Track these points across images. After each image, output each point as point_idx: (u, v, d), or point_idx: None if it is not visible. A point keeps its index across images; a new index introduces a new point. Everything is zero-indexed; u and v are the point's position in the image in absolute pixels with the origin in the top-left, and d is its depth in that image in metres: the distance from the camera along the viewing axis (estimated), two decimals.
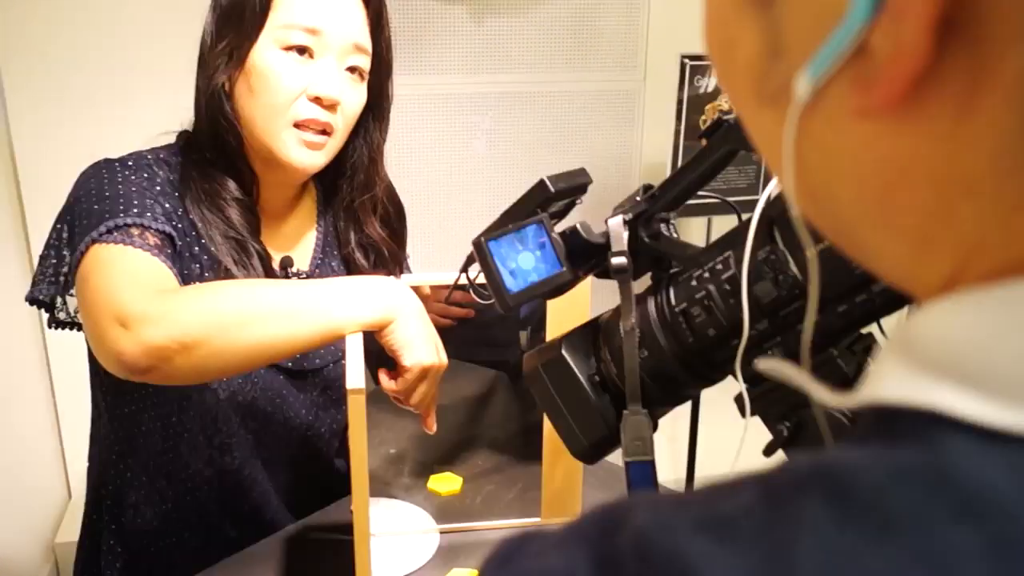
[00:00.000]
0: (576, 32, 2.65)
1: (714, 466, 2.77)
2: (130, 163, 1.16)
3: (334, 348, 1.28)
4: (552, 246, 0.72)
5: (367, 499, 0.92)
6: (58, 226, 1.15)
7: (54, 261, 1.14)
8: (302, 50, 1.14)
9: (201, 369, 1.00)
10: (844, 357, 0.67)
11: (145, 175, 1.15)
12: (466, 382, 1.52)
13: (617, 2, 2.64)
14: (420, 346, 1.06)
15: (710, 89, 2.44)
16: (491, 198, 2.66)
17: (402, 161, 2.62)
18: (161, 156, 1.21)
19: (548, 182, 0.72)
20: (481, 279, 0.70)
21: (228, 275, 1.14)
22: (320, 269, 1.32)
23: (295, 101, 1.15)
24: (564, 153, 2.72)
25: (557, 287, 0.72)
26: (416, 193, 2.65)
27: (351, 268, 1.34)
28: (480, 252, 0.68)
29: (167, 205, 1.15)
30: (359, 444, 0.89)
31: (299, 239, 1.32)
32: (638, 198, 0.72)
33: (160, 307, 0.97)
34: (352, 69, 1.19)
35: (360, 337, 0.99)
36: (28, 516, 2.35)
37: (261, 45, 1.14)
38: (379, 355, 1.07)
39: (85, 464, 1.36)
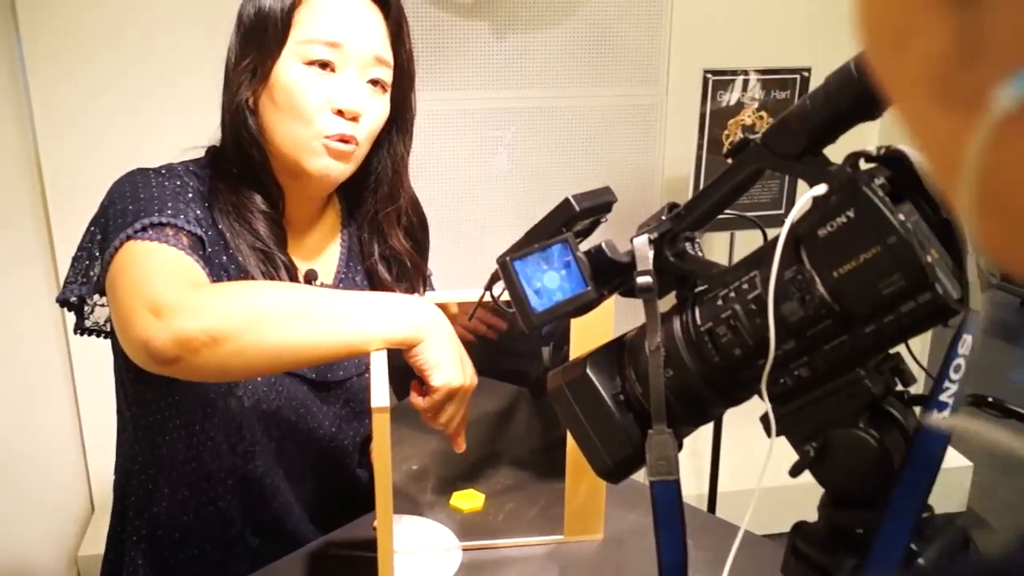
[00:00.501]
0: (598, 47, 2.65)
1: (737, 482, 2.76)
2: (163, 171, 1.18)
3: (358, 361, 1.29)
4: (577, 265, 0.72)
5: (391, 517, 0.92)
6: (91, 228, 1.17)
7: (86, 263, 1.16)
8: (324, 64, 1.16)
9: (226, 366, 1.00)
10: (871, 377, 0.67)
11: (178, 183, 1.18)
12: (488, 398, 1.52)
13: (639, 17, 2.65)
14: (448, 367, 1.06)
15: (732, 103, 2.44)
16: (513, 213, 2.67)
17: (424, 175, 2.63)
18: (191, 168, 1.23)
19: (573, 201, 0.73)
20: (506, 297, 0.70)
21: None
22: (344, 282, 1.34)
23: (319, 114, 1.16)
24: (586, 168, 2.72)
25: (582, 306, 0.72)
26: (437, 207, 2.66)
27: (374, 280, 1.35)
28: (505, 271, 0.69)
29: (198, 212, 1.17)
30: (383, 462, 0.89)
31: (323, 251, 1.34)
32: (663, 217, 0.72)
33: (194, 298, 0.99)
34: (374, 82, 1.20)
35: (384, 354, 0.99)
36: (52, 528, 2.36)
37: (284, 61, 1.16)
38: (405, 371, 1.07)
39: (109, 477, 1.37)
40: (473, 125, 2.64)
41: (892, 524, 0.65)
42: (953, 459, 3.09)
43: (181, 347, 0.96)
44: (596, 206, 0.75)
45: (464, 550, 1.23)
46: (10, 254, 2.14)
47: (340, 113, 1.16)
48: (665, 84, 2.73)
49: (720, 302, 0.69)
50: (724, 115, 2.45)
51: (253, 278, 1.17)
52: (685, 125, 2.57)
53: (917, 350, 0.72)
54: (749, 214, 0.84)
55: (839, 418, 0.67)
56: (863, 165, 0.65)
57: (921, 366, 0.72)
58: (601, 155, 2.73)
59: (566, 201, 0.72)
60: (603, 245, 0.72)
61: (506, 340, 1.41)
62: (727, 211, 0.77)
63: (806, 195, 0.64)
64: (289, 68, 1.16)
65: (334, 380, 1.29)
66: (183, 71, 2.27)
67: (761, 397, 0.69)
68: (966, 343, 0.63)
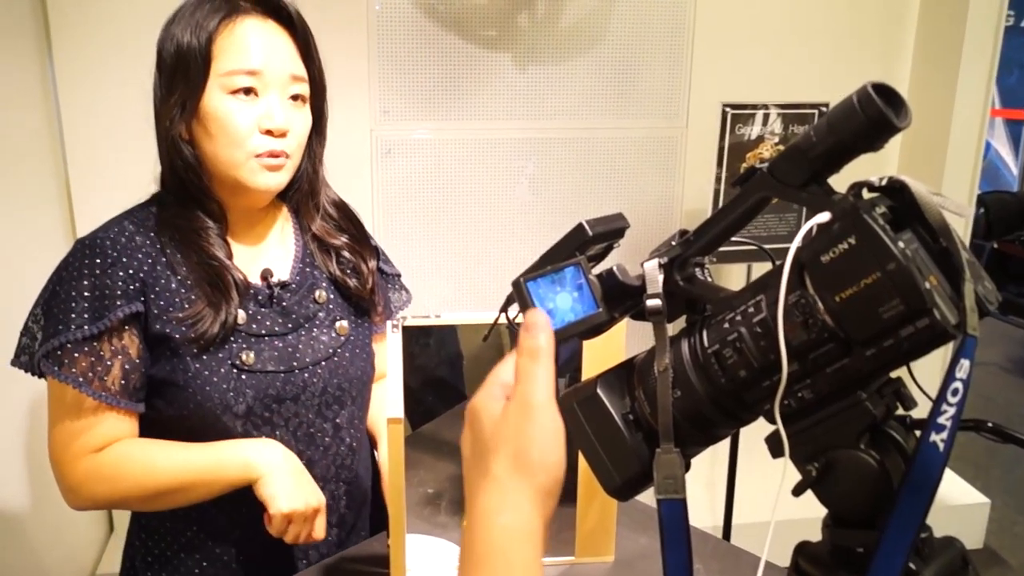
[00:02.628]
0: (619, 80, 2.69)
1: (751, 514, 2.76)
2: (89, 247, 1.27)
3: (323, 347, 1.39)
4: (589, 287, 0.74)
5: (403, 530, 0.94)
6: (35, 310, 1.29)
7: (27, 341, 1.30)
8: (247, 91, 1.27)
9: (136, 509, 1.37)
10: (873, 400, 0.69)
11: (100, 258, 1.26)
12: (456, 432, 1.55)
13: (660, 51, 2.68)
14: (283, 498, 1.24)
15: (752, 137, 2.47)
16: (533, 242, 2.70)
17: (446, 203, 2.67)
18: (135, 214, 1.34)
19: (586, 226, 0.75)
20: (520, 319, 0.73)
21: (207, 299, 1.28)
22: (301, 276, 1.42)
23: (250, 137, 1.27)
24: (606, 198, 2.75)
25: (594, 327, 0.74)
26: (458, 235, 2.69)
27: (332, 277, 1.45)
28: (519, 291, 0.71)
29: (127, 273, 1.26)
30: (396, 474, 0.91)
31: (277, 252, 1.43)
32: (673, 242, 0.75)
33: (82, 482, 1.26)
34: (294, 97, 1.31)
35: (400, 364, 1.02)
36: (71, 548, 2.39)
37: (209, 92, 1.27)
38: (418, 401, 1.12)
39: None
40: (496, 155, 2.67)
41: (891, 543, 0.67)
42: (970, 496, 3.08)
43: (89, 509, 1.33)
44: (609, 231, 0.77)
45: None
46: (34, 256, 2.18)
47: (269, 132, 1.27)
48: (685, 117, 2.76)
49: (727, 325, 0.71)
50: (743, 148, 2.48)
51: (203, 298, 1.28)
52: (704, 158, 2.60)
53: (924, 376, 0.74)
54: (767, 246, 0.87)
55: (841, 439, 0.69)
56: (865, 194, 0.68)
57: (922, 390, 0.74)
58: (621, 186, 2.76)
59: (579, 226, 0.75)
60: (615, 268, 0.75)
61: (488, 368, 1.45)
62: (742, 240, 0.79)
63: (809, 222, 0.67)
64: (215, 99, 1.26)
65: (300, 366, 1.36)
66: None
67: (768, 419, 0.71)
68: (963, 367, 0.65)
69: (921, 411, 0.75)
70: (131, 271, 1.26)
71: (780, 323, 0.66)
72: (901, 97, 0.65)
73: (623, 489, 0.76)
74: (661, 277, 0.73)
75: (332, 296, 1.43)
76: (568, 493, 1.26)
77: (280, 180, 1.32)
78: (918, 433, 0.70)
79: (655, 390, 0.73)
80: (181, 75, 1.27)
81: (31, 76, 2.25)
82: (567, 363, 1.31)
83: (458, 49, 2.57)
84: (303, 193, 1.44)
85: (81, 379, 1.22)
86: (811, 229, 0.67)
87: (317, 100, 1.38)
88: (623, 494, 0.77)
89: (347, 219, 1.51)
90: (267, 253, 1.41)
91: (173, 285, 1.29)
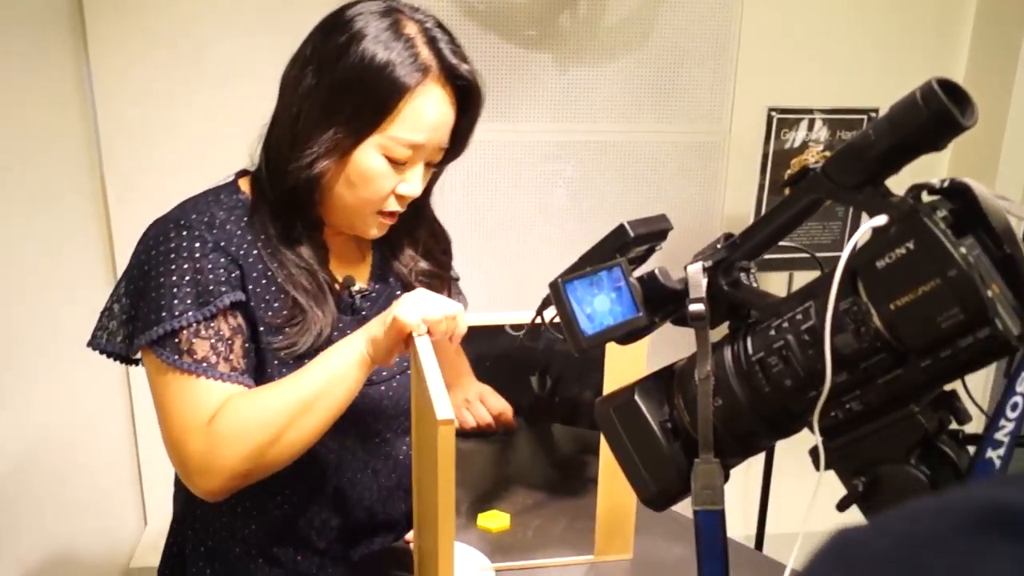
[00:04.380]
0: (662, 83, 2.66)
1: (785, 524, 2.70)
2: (184, 227, 1.18)
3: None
4: (629, 290, 0.72)
5: (452, 533, 0.91)
6: (120, 288, 1.22)
7: (112, 322, 1.22)
8: (403, 161, 1.20)
9: (272, 470, 1.16)
10: (925, 413, 0.65)
11: (199, 242, 1.18)
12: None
13: (705, 54, 2.65)
14: (422, 304, 1.14)
15: (797, 144, 2.42)
16: (571, 245, 2.67)
17: (485, 204, 2.64)
18: (223, 201, 1.24)
19: (628, 227, 0.73)
20: (557, 319, 0.70)
21: (297, 303, 1.21)
22: (380, 285, 1.37)
23: (385, 200, 1.22)
24: (646, 203, 2.72)
25: (633, 332, 0.72)
26: (497, 237, 2.67)
27: (406, 283, 1.39)
28: (556, 293, 0.69)
29: (228, 259, 1.18)
30: (447, 480, 0.87)
31: (358, 262, 1.37)
32: (718, 246, 0.72)
33: (207, 455, 1.12)
34: (429, 164, 1.25)
35: (437, 366, 0.99)
36: (105, 541, 2.39)
37: (367, 145, 1.17)
38: None
39: (163, 488, 1.39)
40: (535, 157, 2.65)
41: None
42: None
43: (222, 493, 1.15)
44: (651, 233, 0.75)
45: (498, 571, 1.25)
46: (71, 255, 2.19)
47: (401, 198, 1.23)
48: (729, 122, 2.72)
49: (773, 332, 0.68)
50: (788, 155, 2.43)
51: (295, 297, 1.21)
52: (748, 164, 2.56)
53: (978, 388, 0.70)
54: (811, 252, 0.83)
55: (890, 454, 0.66)
56: (925, 197, 0.64)
57: (977, 404, 0.71)
58: (661, 191, 2.73)
59: (621, 227, 0.72)
60: (656, 272, 0.72)
61: (493, 371, 1.51)
62: (786, 245, 0.76)
63: (865, 225, 0.63)
64: (370, 155, 1.18)
65: (377, 380, 1.32)
66: (248, 63, 2.32)
67: (811, 430, 0.68)
68: None
69: (976, 425, 0.72)
70: (230, 257, 1.18)
71: (827, 331, 0.63)
72: (967, 93, 0.62)
73: (659, 498, 0.73)
74: (705, 281, 0.70)
75: None
76: (572, 489, 1.26)
77: (385, 231, 1.29)
78: (972, 449, 0.67)
79: (695, 398, 0.70)
80: (349, 111, 1.16)
81: (66, 74, 2.26)
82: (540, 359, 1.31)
83: (498, 49, 2.55)
84: (408, 216, 1.33)
85: (205, 364, 1.15)
86: (866, 232, 0.64)
87: (452, 154, 1.29)
88: (659, 504, 0.74)
89: (442, 250, 1.45)
90: (348, 258, 1.36)
91: (266, 283, 1.22)
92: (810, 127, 2.42)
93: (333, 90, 1.16)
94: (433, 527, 0.88)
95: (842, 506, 0.68)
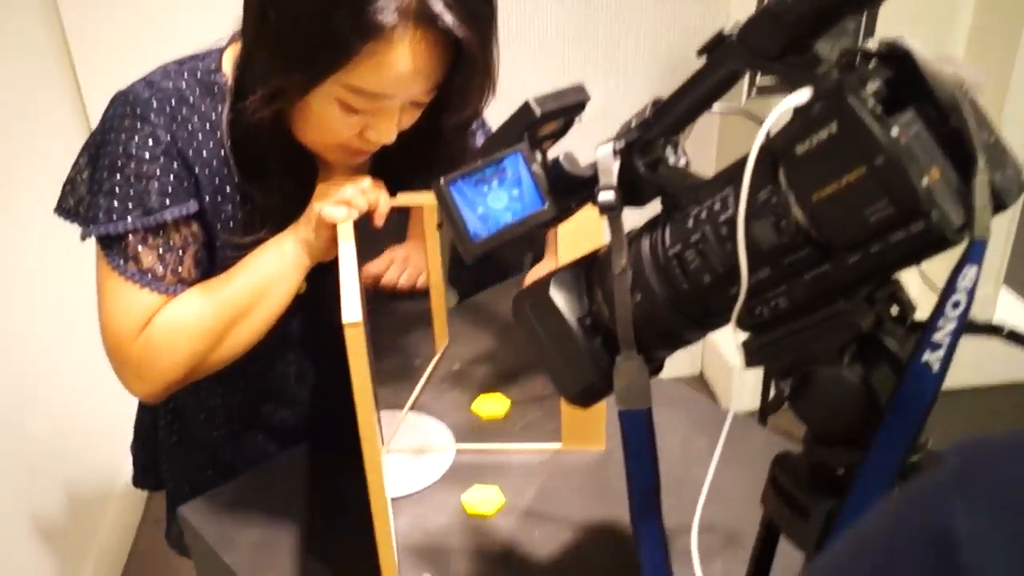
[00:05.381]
0: None
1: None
2: (140, 118, 1.03)
3: None
4: (532, 180, 0.64)
5: (376, 441, 0.85)
6: (82, 158, 1.09)
7: (71, 190, 1.11)
8: (360, 110, 1.00)
9: (211, 372, 1.10)
10: (859, 309, 0.59)
11: (152, 140, 1.03)
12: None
13: None
14: (339, 192, 1.05)
15: None
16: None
17: None
18: (199, 75, 1.08)
19: (534, 104, 0.64)
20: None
21: (267, 227, 1.10)
22: None
23: (349, 140, 1.04)
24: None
25: (537, 226, 0.65)
26: None
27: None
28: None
29: (178, 165, 1.04)
30: (362, 383, 0.79)
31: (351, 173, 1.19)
32: (633, 123, 0.64)
33: (141, 362, 1.06)
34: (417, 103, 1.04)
35: (354, 261, 0.92)
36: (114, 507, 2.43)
37: (320, 91, 0.98)
38: (475, 267, 0.98)
39: None
40: None
41: (874, 465, 0.59)
42: None
43: (165, 394, 1.09)
44: (564, 107, 0.66)
45: (459, 452, 1.19)
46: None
47: (368, 141, 1.04)
48: None
49: (690, 223, 0.61)
50: None
51: (267, 223, 1.10)
52: None
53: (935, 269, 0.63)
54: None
55: (820, 353, 0.60)
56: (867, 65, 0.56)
57: (931, 287, 0.64)
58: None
59: (525, 105, 0.64)
60: (561, 159, 0.64)
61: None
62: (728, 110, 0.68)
63: (784, 102, 0.55)
64: (325, 102, 0.99)
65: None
66: None
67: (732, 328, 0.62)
68: (968, 276, 0.54)
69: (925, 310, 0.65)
70: (185, 164, 1.04)
71: (741, 227, 0.56)
72: None
73: (581, 397, 0.69)
74: (617, 164, 0.63)
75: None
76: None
77: (366, 160, 1.11)
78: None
79: (613, 292, 0.64)
80: (307, 58, 0.94)
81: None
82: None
83: None
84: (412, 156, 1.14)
85: (150, 276, 1.05)
86: (787, 111, 0.55)
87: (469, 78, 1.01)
88: (582, 402, 0.69)
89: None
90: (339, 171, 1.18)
91: (226, 198, 1.08)
92: None
93: (287, 26, 0.95)
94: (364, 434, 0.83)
95: (768, 411, 0.63)
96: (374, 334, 1.42)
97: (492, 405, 1.28)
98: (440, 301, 1.38)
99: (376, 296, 1.50)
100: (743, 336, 0.63)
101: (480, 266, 0.94)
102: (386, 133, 1.02)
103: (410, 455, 1.20)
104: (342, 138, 1.03)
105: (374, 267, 1.49)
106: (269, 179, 1.09)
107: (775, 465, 0.67)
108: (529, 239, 0.71)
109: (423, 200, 1.17)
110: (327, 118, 1.00)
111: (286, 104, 1.00)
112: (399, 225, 1.55)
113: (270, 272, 1.07)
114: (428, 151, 1.12)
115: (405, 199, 1.12)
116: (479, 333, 1.47)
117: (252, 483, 1.18)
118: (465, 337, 1.45)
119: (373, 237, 1.13)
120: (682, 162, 0.66)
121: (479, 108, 1.05)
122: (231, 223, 1.09)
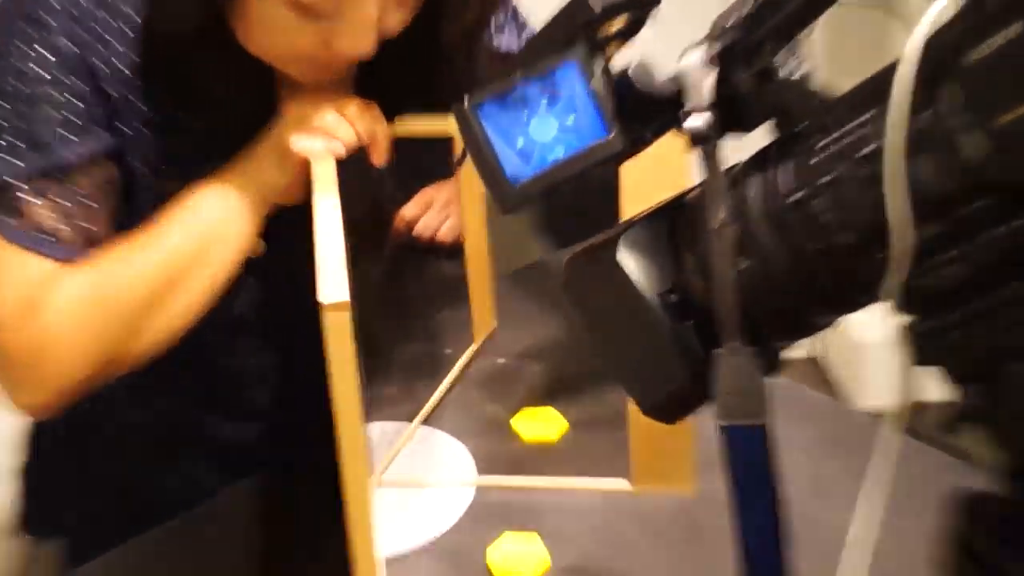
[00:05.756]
0: None
1: None
2: (34, 21, 0.80)
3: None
4: (593, 100, 0.46)
5: (367, 486, 0.64)
6: None
7: None
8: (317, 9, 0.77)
9: (131, 366, 0.85)
10: None
11: (51, 52, 0.80)
12: None
13: None
14: (300, 124, 0.82)
15: None
16: None
17: None
18: None
19: None
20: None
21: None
22: None
23: (310, 57, 0.80)
24: None
25: (599, 163, 0.47)
26: None
27: None
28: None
29: (86, 84, 0.82)
30: (343, 375, 0.61)
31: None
32: (732, 20, 0.45)
33: (31, 359, 0.80)
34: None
35: (337, 213, 0.70)
36: None
37: None
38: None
39: None
40: None
41: None
42: None
43: (61, 405, 0.83)
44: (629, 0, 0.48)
45: (479, 488, 0.92)
46: None
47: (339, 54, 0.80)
48: None
49: (818, 159, 0.42)
50: None
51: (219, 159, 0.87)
52: None
53: None
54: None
55: (1017, 344, 0.41)
56: None
57: None
58: None
59: None
60: (630, 70, 0.46)
61: None
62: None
63: None
64: (267, 4, 0.76)
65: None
66: None
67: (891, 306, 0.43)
68: None
69: None
70: (94, 82, 0.82)
71: (889, 165, 0.37)
72: None
73: (667, 408, 0.51)
74: (712, 79, 0.44)
75: None
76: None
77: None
78: None
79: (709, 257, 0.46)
80: None
81: None
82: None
83: None
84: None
85: (43, 237, 0.80)
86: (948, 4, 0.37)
87: None
88: (668, 415, 0.51)
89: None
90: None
91: (165, 128, 0.85)
92: None
93: None
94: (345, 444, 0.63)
95: (948, 427, 0.44)
96: (394, 303, 1.16)
97: (541, 424, 0.98)
98: (482, 269, 1.05)
99: (407, 251, 1.23)
100: (898, 320, 0.44)
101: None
102: (361, 42, 0.77)
103: (413, 490, 0.93)
104: (301, 49, 0.79)
105: (408, 211, 1.23)
106: (211, 100, 0.85)
107: (961, 512, 0.47)
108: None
109: (440, 128, 0.86)
110: (274, 22, 0.77)
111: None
112: (440, 159, 1.15)
113: (210, 220, 0.83)
114: (431, 67, 0.88)
115: (412, 127, 0.89)
116: (543, 315, 1.13)
117: (182, 533, 0.91)
118: (520, 317, 1.12)
119: (410, 174, 0.91)
120: (802, 73, 0.47)
121: (484, 13, 0.84)
122: (159, 162, 0.87)
